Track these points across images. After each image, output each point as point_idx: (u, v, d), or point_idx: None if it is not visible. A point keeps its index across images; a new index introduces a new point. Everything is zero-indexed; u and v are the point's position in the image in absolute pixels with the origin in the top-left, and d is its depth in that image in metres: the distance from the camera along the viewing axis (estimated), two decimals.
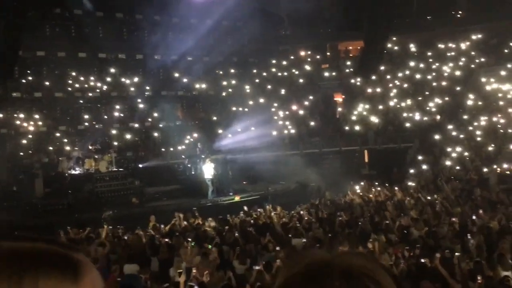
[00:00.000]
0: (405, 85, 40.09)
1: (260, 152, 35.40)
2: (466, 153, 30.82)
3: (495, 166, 27.64)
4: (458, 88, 38.54)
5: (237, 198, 28.87)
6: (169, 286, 12.78)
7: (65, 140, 33.52)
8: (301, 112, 40.23)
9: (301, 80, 42.96)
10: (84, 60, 37.03)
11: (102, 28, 37.18)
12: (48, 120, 34.60)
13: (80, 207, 26.54)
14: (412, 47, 43.23)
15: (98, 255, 15.47)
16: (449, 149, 31.78)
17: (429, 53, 42.02)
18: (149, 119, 37.50)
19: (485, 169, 27.51)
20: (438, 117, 36.88)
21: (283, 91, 41.60)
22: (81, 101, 36.56)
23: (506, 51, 39.78)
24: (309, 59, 44.80)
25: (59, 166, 30.52)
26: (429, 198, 23.18)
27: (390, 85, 40.65)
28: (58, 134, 34.11)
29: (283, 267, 1.43)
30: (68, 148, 32.64)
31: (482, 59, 40.33)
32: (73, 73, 36.13)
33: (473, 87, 37.77)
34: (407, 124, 36.55)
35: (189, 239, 17.13)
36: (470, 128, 33.80)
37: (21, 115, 33.93)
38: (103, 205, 26.86)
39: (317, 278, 1.34)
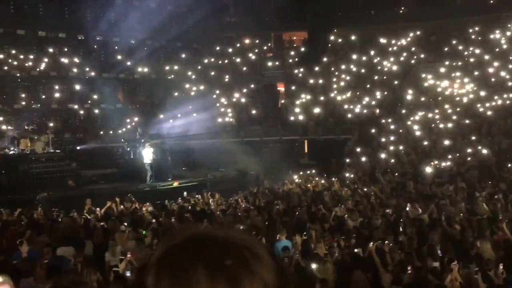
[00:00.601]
0: (347, 78, 40.58)
1: (201, 138, 35.36)
2: (402, 147, 31.36)
3: (432, 162, 28.25)
4: (397, 83, 39.23)
5: (175, 184, 28.78)
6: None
7: (0, 119, 32.74)
8: (243, 100, 40.31)
9: (244, 68, 43.02)
10: (23, 37, 36.17)
11: (42, 5, 36.33)
12: None
13: (13, 187, 25.99)
14: (355, 41, 43.74)
15: (28, 237, 15.20)
16: (386, 142, 32.30)
17: (371, 47, 42.58)
18: (89, 101, 36.96)
19: (421, 164, 28.08)
20: (377, 110, 37.48)
21: (226, 78, 41.59)
22: (19, 80, 35.72)
23: (445, 48, 40.61)
24: (253, 48, 44.86)
25: None
26: (365, 189, 23.54)
27: (333, 77, 41.08)
28: None
29: (164, 238, 1.44)
30: (3, 127, 31.89)
31: (422, 55, 41.11)
32: (11, 51, 35.26)
33: (412, 83, 38.48)
34: (347, 116, 37.02)
35: (125, 224, 17.01)
36: (408, 122, 34.40)
37: None
38: (37, 186, 26.39)
39: (197, 248, 1.34)
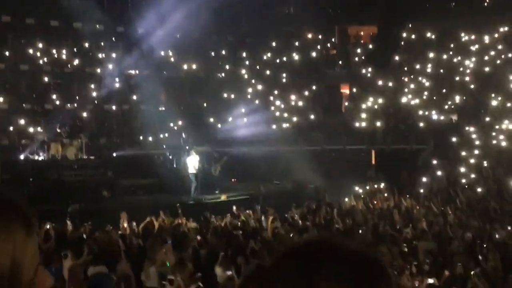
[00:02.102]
0: (422, 79, 39.98)
1: (253, 146, 35.25)
2: (484, 160, 30.77)
3: None
4: (480, 86, 38.47)
5: (223, 197, 28.78)
6: None
7: (29, 120, 33.20)
8: (302, 103, 40.09)
9: (304, 67, 42.80)
10: (56, 29, 36.71)
11: None
12: (10, 96, 34.26)
13: (42, 197, 26.30)
14: (432, 37, 43.04)
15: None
16: (466, 154, 31.74)
17: (450, 45, 41.88)
18: (128, 102, 37.25)
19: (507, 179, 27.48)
20: (456, 117, 36.86)
21: (283, 78, 41.44)
22: (50, 77, 36.24)
23: None
24: (314, 44, 44.59)
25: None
26: (441, 208, 23.15)
27: (405, 78, 40.55)
28: (21, 114, 33.79)
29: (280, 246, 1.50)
30: (32, 129, 32.33)
31: (510, 55, 40.25)
32: (43, 44, 35.81)
33: (497, 86, 37.71)
34: (421, 123, 36.47)
35: (169, 241, 17.05)
36: (492, 131, 33.75)
37: None
38: (69, 197, 26.65)
39: (319, 254, 1.49)
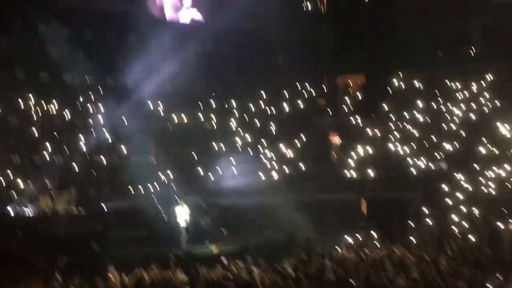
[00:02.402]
0: (410, 128, 40.17)
1: (243, 196, 35.17)
2: (475, 208, 30.78)
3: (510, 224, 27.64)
4: (468, 134, 38.67)
5: (214, 248, 28.61)
6: None
7: (17, 174, 33.04)
8: (291, 152, 40.12)
9: (293, 117, 42.94)
10: (45, 81, 36.82)
11: (68, 47, 37.06)
12: None
13: (31, 252, 26.05)
14: (419, 85, 43.38)
15: None
16: (456, 202, 31.75)
17: (438, 93, 42.20)
18: (117, 154, 37.19)
19: (499, 225, 27.49)
20: (445, 165, 36.94)
21: (272, 128, 41.53)
22: (40, 130, 36.21)
23: None
24: (303, 94, 44.78)
25: None
26: (433, 257, 23.07)
27: (394, 127, 40.72)
28: (9, 166, 33.63)
29: None
30: (21, 184, 32.14)
31: (497, 102, 40.53)
32: (32, 97, 35.88)
33: (486, 134, 37.93)
34: (411, 172, 36.53)
35: None
36: (481, 179, 33.81)
37: None
38: (58, 250, 26.40)
39: None
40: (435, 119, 40.54)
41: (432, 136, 39.15)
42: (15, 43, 37.00)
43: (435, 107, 41.19)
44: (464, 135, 38.70)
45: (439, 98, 41.65)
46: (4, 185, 32.12)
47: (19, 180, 32.15)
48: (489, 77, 42.22)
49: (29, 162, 34.70)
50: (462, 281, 18.45)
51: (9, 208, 29.91)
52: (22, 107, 35.54)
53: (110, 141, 36.96)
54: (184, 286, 19.12)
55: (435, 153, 37.64)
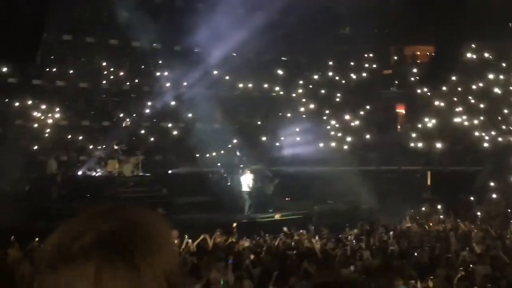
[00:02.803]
0: (479, 100, 39.42)
1: (308, 165, 35.18)
2: None
3: None
4: None
5: (277, 217, 28.73)
6: None
7: (87, 137, 33.64)
8: (357, 122, 39.86)
9: (359, 87, 42.61)
10: (114, 48, 37.29)
11: (137, 13, 37.31)
12: (70, 113, 34.84)
13: None
14: (490, 57, 42.45)
15: None
16: None
17: (509, 65, 41.27)
18: (184, 120, 37.52)
19: None
20: None
21: (338, 98, 41.31)
22: (109, 94, 36.78)
23: None
24: (370, 63, 44.35)
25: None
26: (499, 231, 22.74)
27: (463, 99, 40.02)
28: (79, 131, 34.27)
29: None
30: (90, 146, 32.78)
31: None
32: (102, 62, 36.40)
33: None
34: (479, 144, 35.95)
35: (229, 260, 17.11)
36: None
37: (41, 106, 34.06)
38: None
39: None
40: (505, 91, 39.67)
41: (501, 109, 38.38)
42: (85, 9, 37.43)
43: (505, 79, 40.27)
44: None
45: (508, 70, 40.72)
46: (74, 148, 32.86)
47: (89, 144, 32.81)
48: None
49: (99, 127, 35.34)
50: None
51: (79, 170, 30.56)
52: (92, 73, 36.12)
53: (177, 107, 37.29)
54: (246, 253, 19.25)
55: (504, 126, 36.93)
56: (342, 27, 46.50)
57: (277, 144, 36.68)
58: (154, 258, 1.54)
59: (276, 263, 17.68)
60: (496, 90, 39.52)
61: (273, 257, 18.64)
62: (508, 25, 44.00)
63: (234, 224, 22.97)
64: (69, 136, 33.55)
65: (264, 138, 37.39)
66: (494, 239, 21.03)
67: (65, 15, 35.02)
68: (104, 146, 33.08)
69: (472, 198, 31.39)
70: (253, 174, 30.24)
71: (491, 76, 40.10)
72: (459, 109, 38.98)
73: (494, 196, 30.16)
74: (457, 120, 38.26)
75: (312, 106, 39.84)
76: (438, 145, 36.70)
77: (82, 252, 1.51)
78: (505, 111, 38.15)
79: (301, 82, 41.29)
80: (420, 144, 36.90)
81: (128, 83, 36.96)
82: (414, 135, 37.92)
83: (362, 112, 40.62)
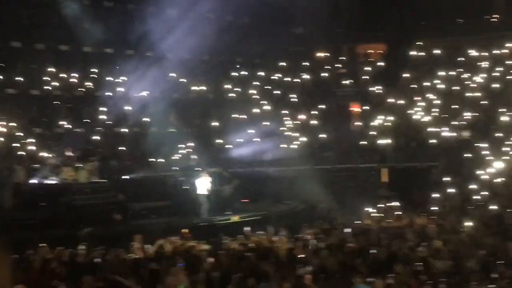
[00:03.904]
0: (432, 96, 39.85)
1: (265, 166, 35.23)
2: (498, 176, 30.58)
3: None
4: (490, 101, 38.30)
5: (235, 219, 28.64)
6: None
7: (40, 145, 33.17)
8: (312, 122, 40.02)
9: (313, 86, 42.80)
10: (65, 54, 36.86)
11: (88, 18, 36.92)
12: (21, 121, 34.34)
13: (54, 222, 26.21)
14: (440, 54, 42.95)
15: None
16: (479, 171, 31.56)
17: (459, 61, 41.78)
18: (138, 124, 37.26)
19: None
20: (467, 134, 36.72)
21: (293, 98, 41.41)
22: (61, 101, 36.33)
23: None
24: (323, 63, 44.57)
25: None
26: (455, 225, 22.99)
27: (415, 96, 40.42)
28: (32, 139, 33.74)
29: None
30: (43, 154, 32.29)
31: None
32: (53, 69, 35.94)
33: (508, 102, 37.56)
34: (433, 140, 36.33)
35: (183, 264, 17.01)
36: (504, 148, 33.58)
37: None
38: (81, 221, 26.54)
39: None
40: (457, 87, 40.16)
41: (453, 104, 38.83)
42: (34, 15, 36.93)
43: (456, 75, 40.78)
44: (486, 104, 38.31)
45: (460, 66, 41.24)
46: (27, 156, 32.34)
47: (42, 152, 32.34)
48: (510, 44, 41.70)
49: (52, 134, 34.90)
50: (484, 250, 18.38)
51: (32, 179, 30.06)
52: (43, 80, 35.64)
53: (131, 112, 37.01)
54: (205, 256, 19.17)
55: (457, 122, 37.36)
56: (295, 27, 46.64)
57: (234, 145, 36.59)
58: None
59: (235, 266, 17.63)
60: (448, 86, 40.00)
61: (232, 259, 18.57)
62: (456, 21, 44.57)
63: (186, 230, 22.79)
64: (22, 144, 32.99)
65: (220, 140, 37.29)
66: (450, 233, 21.26)
67: (13, 21, 34.59)
68: (58, 154, 32.60)
69: (427, 194, 31.68)
70: (210, 177, 30.10)
71: (441, 73, 40.56)
72: (412, 105, 39.37)
73: (448, 191, 30.45)
74: (410, 116, 38.63)
75: (267, 106, 39.88)
76: (393, 142, 37.02)
77: None
78: (457, 106, 38.59)
79: (256, 83, 41.28)
80: (375, 142, 37.17)
81: (80, 89, 36.52)
82: (369, 132, 38.19)
83: (317, 112, 40.80)
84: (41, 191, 28.76)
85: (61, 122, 35.60)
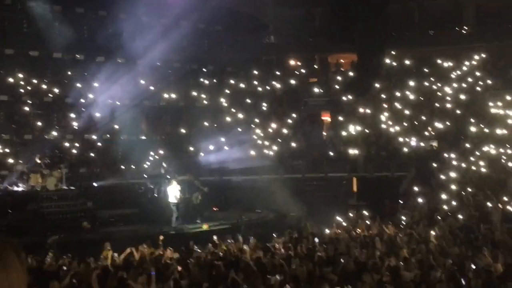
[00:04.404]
0: (402, 107, 40.09)
1: (235, 174, 35.22)
2: (467, 186, 30.82)
3: (499, 203, 27.69)
4: (459, 112, 38.62)
5: (205, 227, 28.61)
6: None
7: (8, 151, 32.91)
8: (283, 131, 40.09)
9: (284, 95, 42.89)
10: (35, 59, 36.60)
11: (58, 24, 36.73)
12: None
13: (21, 229, 25.99)
14: (411, 64, 43.26)
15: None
16: (447, 181, 31.78)
17: (429, 72, 42.11)
18: (108, 132, 37.09)
19: (488, 204, 27.55)
20: (436, 144, 37.00)
21: (264, 107, 41.45)
22: (30, 107, 36.05)
23: None
24: (295, 72, 44.69)
25: None
26: (423, 235, 23.11)
27: (385, 105, 40.67)
28: (0, 144, 33.50)
29: None
30: (11, 160, 32.02)
31: (488, 81, 40.50)
32: (22, 74, 35.65)
33: (477, 112, 37.92)
34: (402, 150, 36.55)
35: (153, 273, 16.92)
36: (472, 158, 33.86)
37: None
38: (48, 228, 26.36)
39: None
40: (427, 97, 40.48)
41: (423, 115, 39.12)
42: (5, 19, 36.68)
43: (426, 85, 41.09)
44: (455, 114, 38.63)
45: (430, 77, 41.56)
46: None
47: (10, 159, 32.05)
48: (481, 56, 42.14)
49: (20, 140, 34.61)
50: (451, 259, 18.49)
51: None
52: (13, 85, 35.35)
53: (101, 119, 36.83)
54: (174, 264, 19.09)
55: (426, 132, 37.64)
56: (267, 36, 46.80)
57: (204, 154, 36.56)
58: (13, 269, 1.89)
59: (204, 274, 17.59)
60: (417, 97, 40.28)
61: (201, 268, 18.52)
62: (427, 32, 44.99)
63: (161, 237, 22.75)
64: None
65: (190, 148, 37.24)
66: (419, 243, 21.36)
67: None
68: (26, 160, 32.36)
69: (396, 203, 31.84)
70: (180, 185, 30.04)
71: (411, 83, 40.84)
72: (383, 115, 39.57)
73: (418, 200, 30.64)
74: (381, 126, 38.83)
75: (238, 115, 39.88)
76: (363, 152, 37.18)
77: None
78: (426, 117, 38.87)
79: (227, 91, 41.28)
80: (345, 151, 37.30)
81: (50, 95, 36.27)
82: (340, 142, 38.32)
83: (289, 120, 40.86)
84: (8, 198, 28.55)
85: (30, 129, 35.34)
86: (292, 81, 43.47)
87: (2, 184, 29.88)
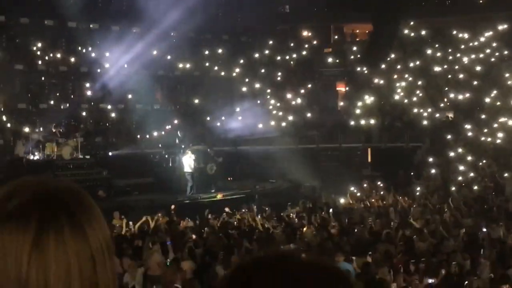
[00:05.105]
0: (417, 77, 39.90)
1: (249, 144, 35.26)
2: (482, 157, 30.78)
3: None
4: (476, 83, 38.39)
5: (219, 196, 28.72)
6: None
7: (24, 120, 33.05)
8: (298, 101, 40.02)
9: (299, 65, 42.74)
10: (51, 29, 36.60)
11: None
12: (5, 96, 34.13)
13: None
14: (427, 35, 42.93)
15: None
16: (462, 152, 31.73)
17: (446, 42, 41.81)
18: (123, 101, 37.14)
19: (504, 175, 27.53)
20: (452, 115, 36.86)
21: (278, 77, 41.35)
22: (46, 76, 36.13)
23: None
24: (310, 42, 44.50)
25: (15, 149, 30.04)
26: (437, 206, 23.13)
27: (401, 76, 40.47)
28: (16, 113, 33.63)
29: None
30: (27, 129, 32.14)
31: (505, 52, 40.16)
32: (38, 44, 35.69)
33: (493, 83, 37.68)
34: (417, 121, 36.44)
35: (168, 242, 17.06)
36: (487, 129, 33.74)
37: None
38: None
39: (287, 268, 1.45)
40: (442, 68, 40.23)
41: (438, 85, 38.94)
42: None
43: (441, 56, 40.83)
44: (471, 85, 38.40)
45: (446, 48, 41.28)
46: (11, 131, 32.23)
47: (26, 128, 32.19)
48: (498, 26, 41.72)
49: (36, 109, 34.73)
50: (465, 230, 18.54)
51: (16, 153, 30.01)
52: (28, 54, 35.42)
53: (116, 88, 36.85)
54: (188, 233, 19.22)
55: (442, 103, 37.49)
56: (282, 6, 46.53)
57: (218, 124, 36.59)
58: (96, 224, 1.54)
59: (218, 243, 17.71)
60: (434, 67, 40.05)
61: (215, 237, 18.64)
62: (445, 2, 44.60)
63: (173, 206, 22.88)
64: (5, 119, 32.85)
65: (205, 118, 37.27)
66: (433, 214, 21.40)
67: None
68: (42, 129, 32.50)
69: (411, 174, 31.85)
70: (195, 155, 30.11)
71: (427, 53, 40.58)
72: (398, 86, 39.43)
73: (432, 171, 30.61)
74: (396, 97, 38.71)
75: (253, 85, 39.83)
76: (377, 122, 37.11)
77: (20, 210, 1.46)
78: (443, 87, 38.71)
79: (241, 61, 41.17)
80: (359, 122, 37.24)
81: (65, 65, 36.32)
82: (355, 112, 38.24)
83: (303, 91, 40.79)
84: (24, 166, 28.70)
85: (45, 98, 35.45)
86: (307, 51, 43.33)
87: (18, 153, 30.09)
